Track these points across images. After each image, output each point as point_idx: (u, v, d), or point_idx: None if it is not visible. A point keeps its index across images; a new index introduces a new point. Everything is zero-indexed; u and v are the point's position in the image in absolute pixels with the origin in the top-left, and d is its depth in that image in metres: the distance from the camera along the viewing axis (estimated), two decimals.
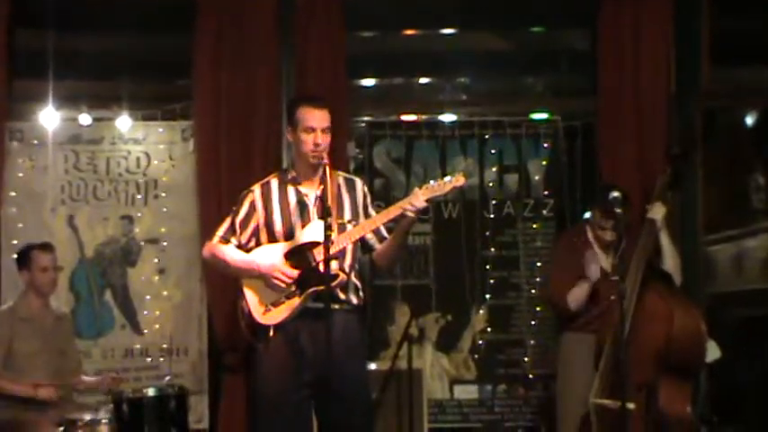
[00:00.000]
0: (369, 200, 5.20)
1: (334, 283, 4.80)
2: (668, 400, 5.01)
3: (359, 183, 5.22)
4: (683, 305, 5.23)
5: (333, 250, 4.70)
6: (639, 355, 5.13)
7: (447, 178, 4.94)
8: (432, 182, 4.96)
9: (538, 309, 7.15)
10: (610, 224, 5.88)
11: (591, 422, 5.34)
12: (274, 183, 5.12)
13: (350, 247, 5.00)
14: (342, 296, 4.95)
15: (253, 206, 5.07)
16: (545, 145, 7.33)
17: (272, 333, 4.88)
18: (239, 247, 5.08)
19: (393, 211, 4.91)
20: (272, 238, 5.02)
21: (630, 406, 4.97)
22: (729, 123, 8.06)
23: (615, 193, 5.26)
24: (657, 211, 5.54)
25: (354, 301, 5.02)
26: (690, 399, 5.13)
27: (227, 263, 5.08)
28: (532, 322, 7.16)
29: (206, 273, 6.80)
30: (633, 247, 5.63)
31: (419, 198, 4.84)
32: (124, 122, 7.12)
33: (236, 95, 6.84)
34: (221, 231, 5.14)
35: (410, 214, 4.85)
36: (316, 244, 4.84)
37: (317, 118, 4.99)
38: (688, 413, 5.06)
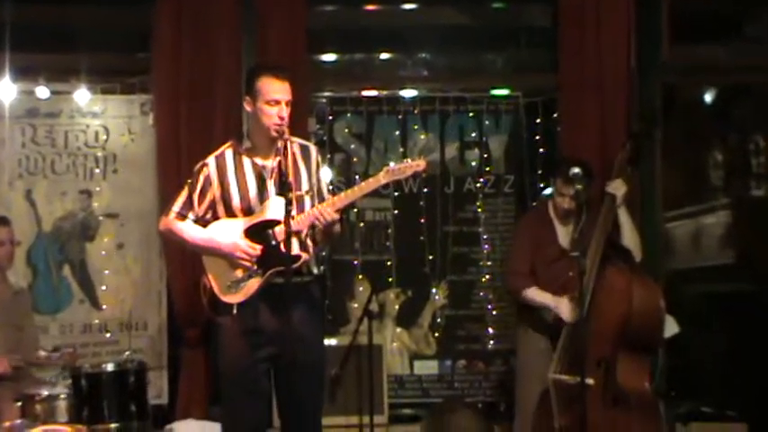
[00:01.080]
0: (321, 170, 5.12)
1: (296, 265, 4.78)
2: (626, 376, 5.04)
3: (313, 149, 5.11)
4: (642, 281, 5.26)
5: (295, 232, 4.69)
6: (598, 330, 5.15)
7: (408, 161, 4.91)
8: (392, 164, 4.93)
9: (498, 285, 7.17)
10: (570, 191, 5.88)
11: (549, 398, 5.36)
12: (229, 154, 5.01)
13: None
14: (303, 268, 4.92)
15: (208, 180, 4.98)
16: (506, 121, 7.34)
17: (234, 311, 4.85)
18: (197, 220, 5.02)
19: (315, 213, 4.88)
20: (230, 212, 4.95)
21: (589, 381, 4.99)
22: (688, 100, 8.10)
23: (576, 169, 5.27)
24: (617, 188, 5.56)
25: (315, 270, 5.00)
26: (648, 374, 5.16)
27: (186, 240, 5.02)
28: (491, 297, 7.17)
29: (165, 248, 6.77)
30: (593, 223, 5.65)
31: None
32: (82, 96, 7.06)
33: (196, 69, 6.80)
34: (177, 206, 5.04)
35: (319, 223, 4.83)
36: (276, 222, 4.80)
37: (281, 90, 4.87)
38: (646, 388, 5.10)
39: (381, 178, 4.85)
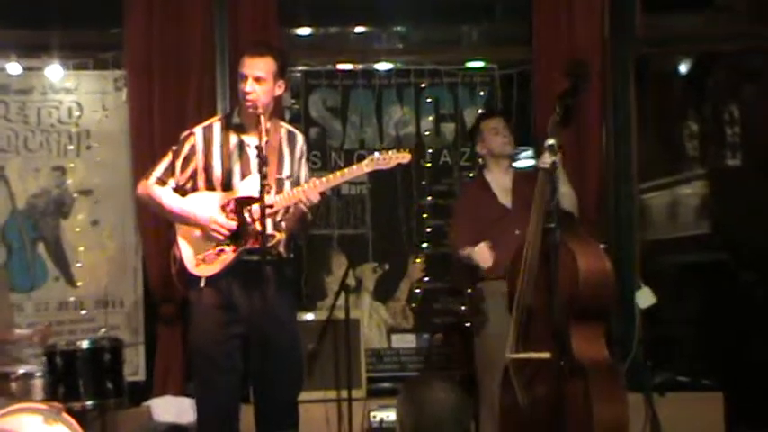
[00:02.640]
0: (304, 158, 5.17)
1: (269, 244, 4.79)
2: (581, 346, 5.01)
3: (300, 138, 5.20)
4: (586, 246, 5.16)
5: (268, 210, 4.69)
6: (548, 302, 5.12)
7: (393, 153, 4.96)
8: (377, 154, 4.99)
9: None
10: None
11: (510, 376, 5.33)
12: (217, 127, 5.07)
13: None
14: (274, 249, 4.92)
15: (193, 149, 5.03)
16: (481, 93, 7.33)
17: (202, 284, 4.86)
18: (176, 188, 5.03)
19: (297, 195, 4.87)
20: (210, 184, 4.98)
21: (546, 356, 4.99)
22: (662, 71, 8.10)
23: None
24: (547, 160, 5.40)
25: (284, 253, 5.01)
26: (603, 340, 5.13)
27: (163, 206, 5.04)
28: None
29: (141, 223, 6.75)
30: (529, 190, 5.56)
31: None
32: (55, 72, 7.02)
33: (168, 44, 6.76)
34: (159, 172, 5.07)
35: (303, 207, 4.87)
36: (253, 200, 4.81)
37: (248, 65, 4.95)
38: (604, 354, 5.07)
39: (365, 167, 4.93)
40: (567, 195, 5.74)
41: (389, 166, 4.97)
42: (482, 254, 5.69)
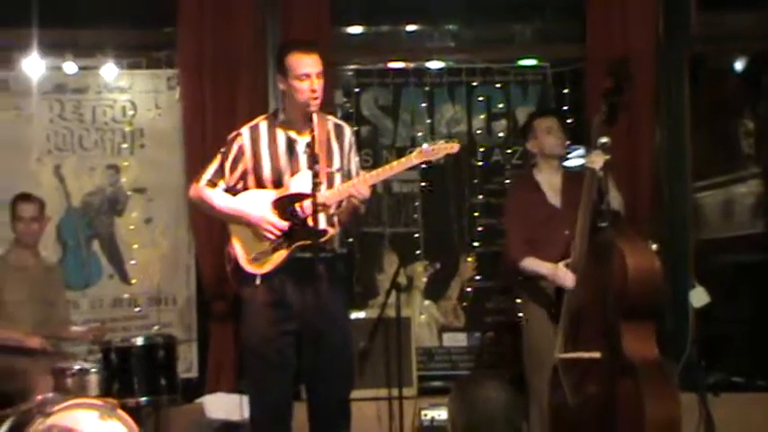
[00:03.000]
0: (353, 149, 5.16)
1: (322, 239, 4.79)
2: (632, 345, 4.97)
3: (347, 129, 5.16)
4: (635, 246, 5.13)
5: (322, 207, 4.71)
6: (598, 302, 5.09)
7: (441, 143, 4.91)
8: (425, 145, 4.94)
9: None
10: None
11: (559, 376, 5.31)
12: (263, 126, 5.05)
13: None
14: (328, 244, 4.93)
15: (241, 150, 5.02)
16: (533, 92, 7.30)
17: (258, 281, 4.87)
18: (227, 189, 5.04)
19: (348, 189, 4.87)
20: (260, 183, 4.98)
21: (596, 355, 4.96)
22: (717, 69, 8.00)
23: (604, 139, 5.20)
24: (596, 160, 5.36)
25: (338, 249, 5.01)
26: (655, 339, 5.08)
27: (214, 207, 5.05)
28: None
29: (193, 221, 6.79)
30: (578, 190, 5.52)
31: (365, 187, 4.83)
32: (109, 71, 7.09)
33: (220, 44, 6.80)
34: (209, 174, 5.07)
35: (355, 201, 4.86)
36: (305, 196, 4.81)
37: (309, 63, 4.89)
38: (655, 354, 5.02)
39: (414, 159, 4.88)
40: (613, 197, 5.69)
41: (438, 157, 4.92)
42: (562, 275, 5.55)
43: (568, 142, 6.06)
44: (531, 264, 5.72)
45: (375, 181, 4.93)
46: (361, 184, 4.87)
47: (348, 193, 4.89)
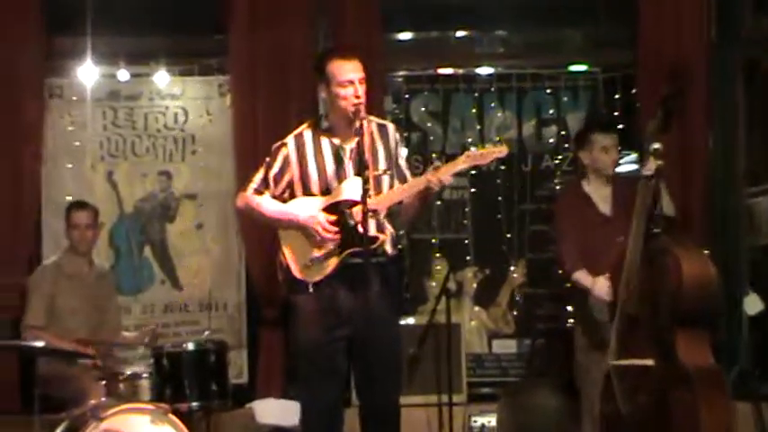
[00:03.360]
0: (400, 147, 5.13)
1: (373, 246, 4.78)
2: (686, 352, 4.91)
3: (391, 128, 5.13)
4: (690, 251, 5.08)
5: (372, 211, 4.70)
6: (652, 309, 5.05)
7: (489, 146, 4.87)
8: (473, 149, 4.90)
9: None
10: (611, 141, 5.83)
11: (612, 383, 5.27)
12: (308, 134, 5.05)
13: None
14: (379, 249, 4.92)
15: (287, 160, 5.02)
16: (584, 97, 7.27)
17: (310, 289, 4.88)
18: (273, 198, 5.05)
19: (421, 183, 4.85)
20: (308, 192, 4.98)
21: (648, 362, 4.92)
22: None
23: (656, 145, 5.16)
24: (651, 167, 5.33)
25: (390, 251, 4.99)
26: (710, 347, 5.03)
27: (263, 213, 5.06)
28: None
29: (243, 227, 6.83)
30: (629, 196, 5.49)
31: (447, 173, 4.79)
32: (161, 78, 7.15)
33: (271, 50, 6.84)
34: (255, 183, 5.09)
35: (434, 188, 4.82)
36: (354, 203, 4.81)
37: (351, 69, 4.89)
38: (710, 362, 4.97)
39: (461, 162, 4.83)
40: (665, 203, 5.64)
41: (486, 161, 4.89)
42: (602, 288, 5.54)
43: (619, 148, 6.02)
44: (581, 277, 5.72)
45: (419, 188, 4.88)
46: (407, 190, 4.87)
47: (398, 198, 4.89)
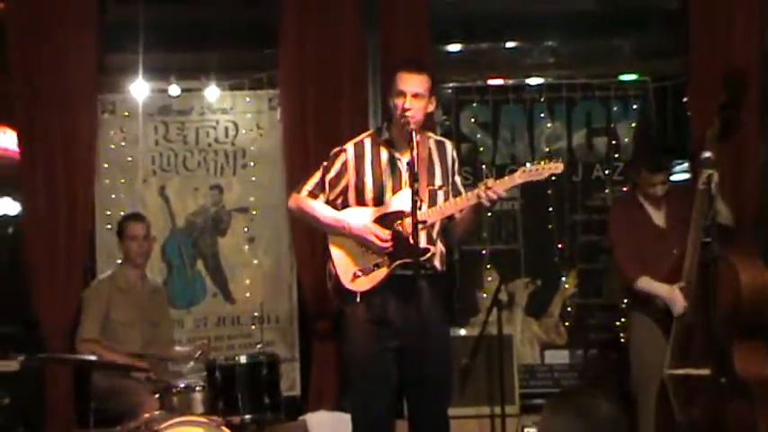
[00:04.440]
0: (456, 165, 5.16)
1: (423, 258, 4.79)
2: (744, 363, 4.87)
3: (449, 146, 5.17)
4: (748, 263, 5.04)
5: (422, 224, 4.71)
6: (709, 319, 5.00)
7: (544, 163, 4.86)
8: (528, 165, 4.90)
9: None
10: (659, 179, 5.78)
11: (667, 393, 5.23)
12: (368, 143, 5.07)
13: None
14: (428, 263, 4.92)
15: (345, 166, 5.05)
16: (635, 107, 7.23)
17: (358, 299, 4.89)
18: (327, 203, 5.08)
19: (472, 198, 4.84)
20: (361, 200, 5.00)
21: (705, 371, 4.87)
22: None
23: (707, 154, 5.13)
24: (705, 176, 5.27)
25: (439, 267, 5.00)
26: (766, 357, 4.98)
27: (317, 218, 5.07)
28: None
29: (295, 240, 6.86)
30: (684, 206, 5.46)
31: (500, 187, 4.79)
32: (212, 92, 7.21)
33: (321, 64, 6.86)
34: (310, 186, 5.11)
35: (486, 203, 4.82)
36: (405, 214, 4.82)
37: (406, 82, 4.92)
38: (766, 373, 4.93)
39: (517, 178, 4.83)
40: (722, 212, 5.60)
41: (542, 177, 4.88)
42: (677, 299, 5.48)
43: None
44: (647, 284, 5.66)
45: (471, 202, 4.89)
46: (460, 203, 4.88)
47: (450, 212, 4.90)
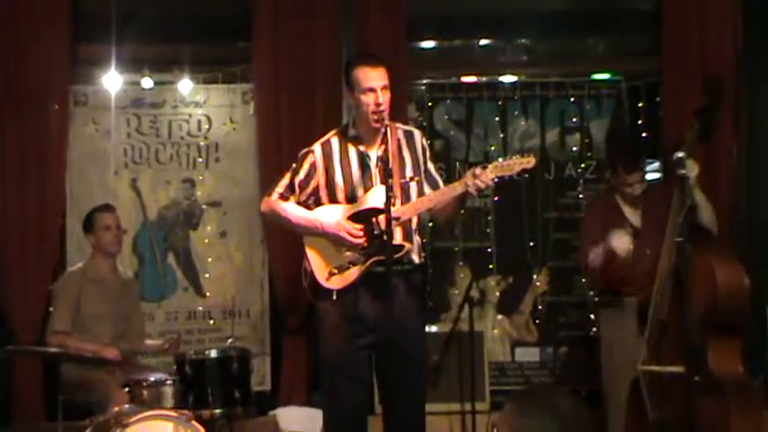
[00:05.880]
0: (427, 153, 5.11)
1: (398, 255, 4.78)
2: (718, 360, 4.91)
3: (417, 135, 5.12)
4: (724, 260, 5.08)
5: (396, 221, 4.70)
6: (684, 315, 5.04)
7: (516, 158, 4.86)
8: (500, 159, 4.90)
9: None
10: (635, 179, 5.83)
11: (640, 388, 5.26)
12: (335, 141, 5.04)
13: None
14: (405, 257, 4.91)
15: (313, 167, 5.02)
16: (607, 106, 7.25)
17: (335, 297, 4.87)
18: (298, 204, 5.06)
19: (458, 188, 4.84)
20: (333, 199, 4.98)
21: (678, 369, 4.90)
22: None
23: (680, 154, 5.16)
24: (690, 169, 5.35)
25: (416, 260, 4.99)
26: (740, 355, 5.02)
27: (289, 219, 5.05)
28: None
29: (267, 236, 6.84)
30: (659, 206, 5.52)
31: (488, 176, 4.79)
32: (185, 86, 7.17)
33: (295, 58, 6.85)
34: (280, 188, 5.08)
35: (473, 192, 4.81)
36: (379, 211, 4.80)
37: (374, 77, 4.88)
38: (740, 371, 4.96)
39: (489, 173, 4.81)
40: (705, 215, 5.65)
41: (513, 172, 4.86)
42: (620, 238, 5.55)
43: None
44: (593, 256, 5.73)
45: (449, 196, 4.87)
46: (434, 198, 4.87)
47: (425, 207, 4.90)
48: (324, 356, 5.00)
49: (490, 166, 4.84)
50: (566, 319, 7.20)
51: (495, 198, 7.22)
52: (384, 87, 4.89)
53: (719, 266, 4.96)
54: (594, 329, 6.89)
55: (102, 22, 6.83)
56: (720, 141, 6.63)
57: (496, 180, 4.86)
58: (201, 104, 7.22)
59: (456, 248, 7.22)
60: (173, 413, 5.14)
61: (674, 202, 5.17)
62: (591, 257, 5.80)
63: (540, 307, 7.22)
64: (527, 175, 5.07)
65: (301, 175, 5.04)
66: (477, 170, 4.80)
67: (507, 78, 7.37)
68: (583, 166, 7.26)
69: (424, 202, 4.90)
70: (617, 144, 7.02)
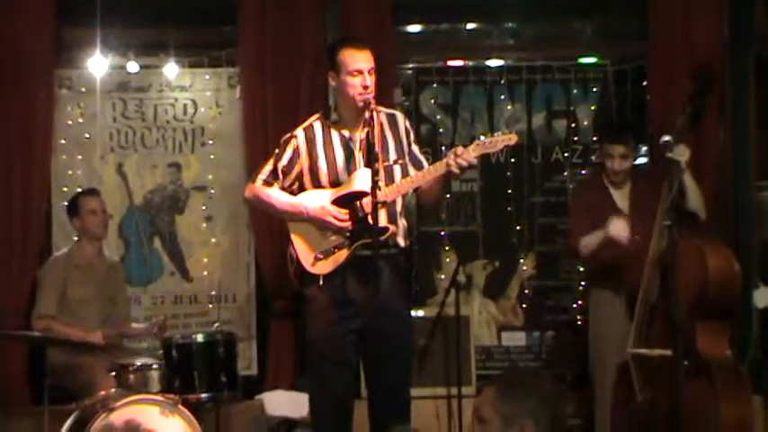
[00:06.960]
0: (411, 136, 5.12)
1: (383, 237, 4.78)
2: (706, 344, 4.94)
3: (400, 117, 5.13)
4: (715, 247, 5.12)
5: (381, 202, 4.70)
6: (674, 300, 5.05)
7: (498, 135, 4.87)
8: (483, 137, 4.91)
9: None
10: (618, 151, 5.84)
11: (629, 371, 5.28)
12: (317, 126, 5.04)
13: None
14: (390, 240, 4.91)
15: (297, 152, 5.01)
16: (594, 90, 7.25)
17: (320, 282, 4.87)
18: (282, 190, 5.05)
19: (440, 168, 4.84)
20: (317, 184, 4.98)
21: (666, 352, 4.92)
22: None
23: (666, 137, 5.17)
24: (681, 153, 5.38)
25: (402, 243, 4.99)
26: (728, 340, 5.05)
27: (273, 205, 5.06)
28: (580, 268, 7.05)
29: (253, 220, 6.83)
30: (646, 191, 5.54)
31: (470, 154, 4.78)
32: (171, 70, 7.14)
33: (282, 42, 6.82)
34: (264, 174, 5.09)
35: (456, 171, 4.81)
36: (364, 194, 4.80)
37: (362, 59, 4.89)
38: (728, 355, 4.99)
39: (471, 151, 4.81)
40: (693, 191, 5.68)
41: (496, 149, 4.88)
42: (619, 225, 5.58)
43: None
44: (588, 237, 5.73)
45: (434, 175, 4.88)
46: (418, 179, 4.87)
47: (409, 188, 4.89)
48: (310, 341, 5.00)
49: (472, 144, 4.85)
50: (552, 304, 7.19)
51: (482, 182, 7.20)
52: (370, 70, 4.88)
53: (710, 251, 4.99)
54: (580, 317, 6.91)
55: (87, 5, 6.77)
56: (704, 127, 6.62)
57: (479, 158, 4.86)
58: (187, 88, 7.19)
59: (442, 232, 7.21)
60: (159, 397, 5.12)
61: (664, 186, 5.19)
62: (583, 241, 5.81)
63: (526, 291, 7.21)
64: (513, 159, 5.08)
65: (284, 161, 5.03)
66: (459, 149, 4.81)
67: (494, 62, 7.36)
68: (570, 150, 7.25)
69: (406, 183, 4.91)
70: (603, 120, 7.03)
